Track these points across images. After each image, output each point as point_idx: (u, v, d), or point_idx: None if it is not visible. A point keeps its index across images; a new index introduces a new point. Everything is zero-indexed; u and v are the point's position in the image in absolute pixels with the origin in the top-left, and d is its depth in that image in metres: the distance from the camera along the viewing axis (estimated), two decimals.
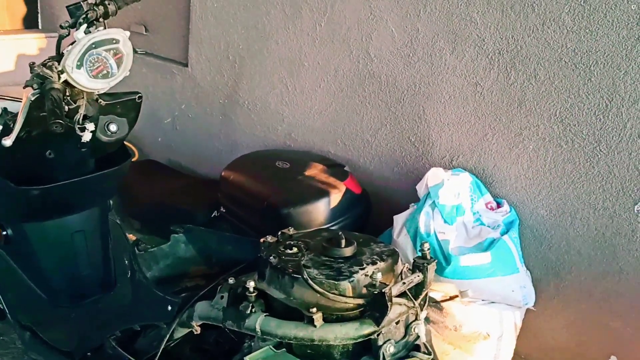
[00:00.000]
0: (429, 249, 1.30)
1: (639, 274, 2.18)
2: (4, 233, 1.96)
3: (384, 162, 2.79)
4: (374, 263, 1.28)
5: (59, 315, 1.97)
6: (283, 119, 3.15)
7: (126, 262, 2.24)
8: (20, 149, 1.78)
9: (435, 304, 2.27)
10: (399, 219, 2.45)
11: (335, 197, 2.51)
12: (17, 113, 1.67)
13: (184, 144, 3.69)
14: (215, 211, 2.78)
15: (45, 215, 1.96)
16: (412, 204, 2.49)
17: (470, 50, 2.40)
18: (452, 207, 2.35)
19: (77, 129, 1.73)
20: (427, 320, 1.45)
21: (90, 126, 1.72)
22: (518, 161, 2.39)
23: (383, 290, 1.15)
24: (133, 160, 2.15)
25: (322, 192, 2.50)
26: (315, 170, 2.65)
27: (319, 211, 2.46)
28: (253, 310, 1.26)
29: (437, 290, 2.26)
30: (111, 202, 2.21)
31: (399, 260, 1.34)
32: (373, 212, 2.64)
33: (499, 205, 2.43)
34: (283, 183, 2.58)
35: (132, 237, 2.34)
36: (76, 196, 1.98)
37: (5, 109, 3.37)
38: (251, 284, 1.27)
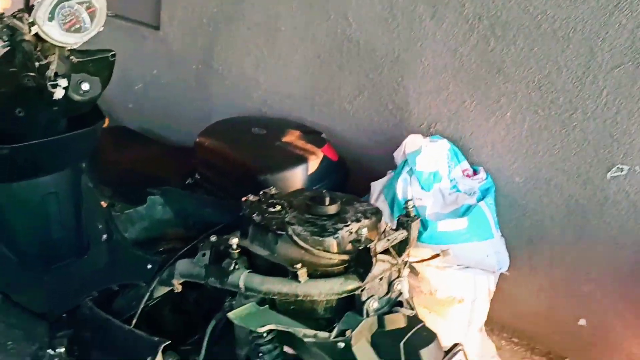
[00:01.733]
0: (412, 207, 1.30)
1: (610, 239, 2.24)
2: None
3: (361, 129, 2.77)
4: (358, 220, 1.27)
5: (31, 278, 1.92)
6: (259, 85, 3.10)
7: (99, 226, 2.19)
8: None
9: (411, 268, 2.29)
10: (376, 186, 2.45)
11: (313, 163, 2.49)
12: None
13: (156, 111, 3.61)
14: (190, 178, 2.74)
15: (15, 176, 1.89)
16: (390, 170, 2.49)
17: (450, 15, 2.39)
18: (430, 173, 2.36)
19: (48, 85, 1.66)
20: None
21: (63, 82, 1.64)
22: (495, 129, 2.40)
23: (368, 246, 1.15)
24: (104, 126, 2.09)
25: (299, 159, 2.48)
26: (292, 137, 2.63)
27: (296, 178, 2.44)
28: (236, 267, 1.24)
29: (414, 255, 2.28)
30: (84, 165, 2.15)
31: (382, 219, 1.34)
32: (350, 179, 2.64)
33: (475, 172, 2.46)
34: (259, 149, 2.55)
35: (104, 204, 2.29)
36: (47, 157, 1.91)
37: None
38: (234, 241, 1.26)
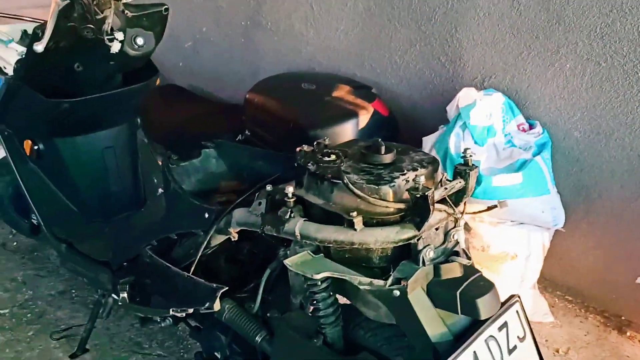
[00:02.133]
0: (471, 155, 1.27)
1: None
2: (36, 147, 1.96)
3: (412, 83, 2.72)
4: (414, 169, 1.25)
5: (93, 230, 2.00)
6: (307, 41, 3.07)
7: (155, 180, 2.25)
8: (49, 61, 1.75)
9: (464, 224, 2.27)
10: (428, 141, 2.41)
11: (363, 118, 2.47)
12: (45, 22, 1.62)
13: (205, 68, 3.64)
14: (240, 135, 2.76)
15: (74, 130, 1.96)
16: (442, 125, 2.45)
17: None
18: (484, 128, 2.31)
19: (105, 39, 1.68)
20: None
21: (119, 35, 1.67)
22: (553, 81, 2.31)
23: (426, 194, 1.13)
24: (155, 84, 2.12)
25: (349, 114, 2.46)
26: (342, 92, 2.60)
27: (347, 133, 2.43)
28: (292, 215, 1.25)
29: (467, 210, 2.26)
30: (139, 120, 2.19)
31: (439, 168, 1.32)
32: (401, 134, 2.60)
33: (531, 126, 2.38)
34: (309, 105, 2.53)
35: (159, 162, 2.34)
36: (105, 111, 1.96)
37: (25, 31, 3.32)
38: (290, 190, 1.26)
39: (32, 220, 2.31)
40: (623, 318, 2.41)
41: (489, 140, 2.32)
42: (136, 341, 2.12)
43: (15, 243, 2.66)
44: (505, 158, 2.32)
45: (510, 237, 2.25)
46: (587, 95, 2.25)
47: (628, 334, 2.34)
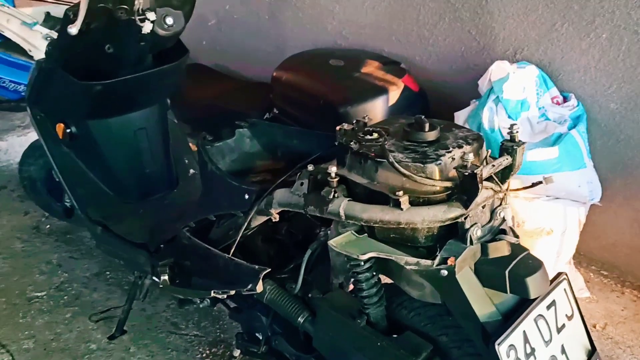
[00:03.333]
0: (517, 131, 1.24)
1: None
2: (68, 130, 1.96)
3: (442, 58, 2.67)
4: (460, 147, 1.22)
5: (128, 211, 2.01)
6: (333, 16, 3.02)
7: (186, 161, 2.25)
8: (81, 43, 1.74)
9: None
10: (460, 115, 2.37)
11: (393, 94, 2.43)
12: (78, 4, 1.60)
13: (230, 47, 3.60)
14: (268, 113, 2.74)
15: (107, 111, 1.95)
16: (474, 100, 2.40)
17: None
18: (517, 102, 2.26)
19: (137, 19, 1.67)
20: None
21: (151, 15, 1.65)
22: (589, 52, 2.25)
23: (474, 172, 1.11)
24: None
25: (379, 90, 2.43)
26: (371, 68, 2.56)
27: (377, 109, 2.40)
28: (336, 195, 1.24)
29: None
30: (169, 101, 2.18)
31: (484, 144, 1.29)
32: (432, 109, 2.56)
33: (565, 99, 2.33)
34: (339, 81, 2.51)
35: (192, 146, 2.34)
36: (137, 92, 1.95)
37: (48, 13, 3.31)
38: (333, 169, 1.24)
39: (66, 203, 2.33)
40: None
41: (522, 114, 2.27)
42: (173, 322, 2.14)
43: (48, 226, 2.69)
44: (540, 132, 2.27)
45: (545, 212, 2.22)
46: (624, 65, 2.19)
47: None
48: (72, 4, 1.77)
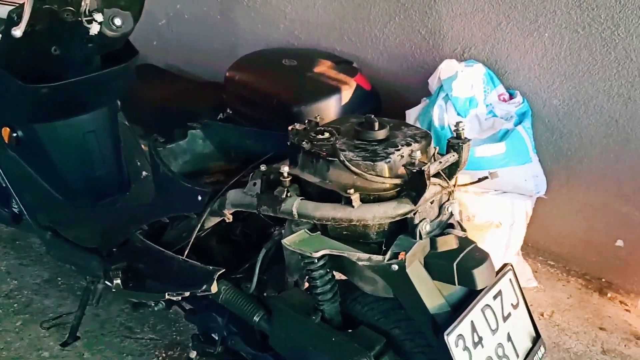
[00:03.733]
0: (463, 129, 1.28)
1: None
2: (14, 135, 1.91)
3: (393, 57, 2.72)
4: (408, 145, 1.26)
5: (79, 215, 1.97)
6: (285, 15, 3.03)
7: (138, 163, 2.22)
8: (25, 46, 1.70)
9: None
10: (411, 114, 2.43)
11: (346, 93, 2.47)
12: (21, 5, 1.57)
13: (181, 47, 3.58)
14: (221, 113, 2.73)
15: (54, 115, 1.91)
16: (424, 98, 2.46)
17: None
18: (466, 99, 2.33)
19: (84, 21, 1.64)
20: None
21: (99, 17, 1.63)
22: (532, 50, 2.34)
23: (422, 169, 1.14)
24: None
25: (332, 89, 2.45)
26: (324, 67, 2.59)
27: (330, 108, 2.42)
28: (288, 194, 1.25)
29: None
30: (119, 103, 2.15)
31: (432, 142, 1.33)
32: (383, 108, 2.61)
33: (511, 96, 2.41)
34: (292, 80, 2.52)
35: (144, 147, 2.31)
36: (85, 95, 1.92)
37: None
38: (285, 169, 1.26)
39: (13, 208, 2.26)
40: (604, 280, 2.49)
41: (471, 112, 2.34)
42: (127, 326, 2.12)
43: None
44: (488, 128, 2.34)
45: (494, 206, 2.29)
46: (566, 63, 2.28)
47: (609, 295, 2.42)
48: (16, 5, 1.73)
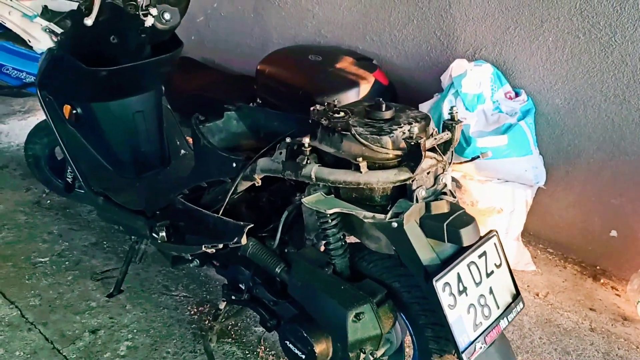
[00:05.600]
0: (457, 112, 1.52)
1: None
2: (74, 112, 2.20)
3: (410, 55, 2.96)
4: (409, 123, 1.50)
5: (126, 184, 2.25)
6: (313, 15, 3.29)
7: (177, 142, 2.51)
8: (90, 34, 1.99)
9: (455, 181, 2.52)
10: (423, 107, 2.66)
11: (365, 87, 2.71)
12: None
13: (216, 42, 3.85)
14: (252, 102, 3.00)
15: (109, 95, 2.20)
16: (436, 93, 2.69)
17: None
18: (474, 95, 2.55)
19: (141, 14, 1.92)
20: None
21: (154, 11, 1.91)
22: (537, 53, 2.55)
23: (418, 142, 1.38)
24: None
25: (352, 83, 2.70)
26: (346, 63, 2.83)
27: (350, 99, 2.65)
28: (308, 162, 1.51)
29: (457, 170, 2.52)
30: (163, 87, 2.43)
31: (431, 123, 1.56)
32: (399, 101, 2.84)
33: (517, 94, 2.63)
34: (317, 74, 2.77)
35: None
36: (136, 79, 2.20)
37: (46, 7, 3.53)
38: (306, 141, 1.51)
39: (67, 179, 2.56)
40: (598, 267, 2.68)
41: (478, 107, 2.56)
42: (164, 284, 2.39)
43: (48, 201, 2.92)
44: (493, 123, 2.56)
45: (496, 193, 2.51)
46: (567, 66, 2.49)
47: (602, 281, 2.62)
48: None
